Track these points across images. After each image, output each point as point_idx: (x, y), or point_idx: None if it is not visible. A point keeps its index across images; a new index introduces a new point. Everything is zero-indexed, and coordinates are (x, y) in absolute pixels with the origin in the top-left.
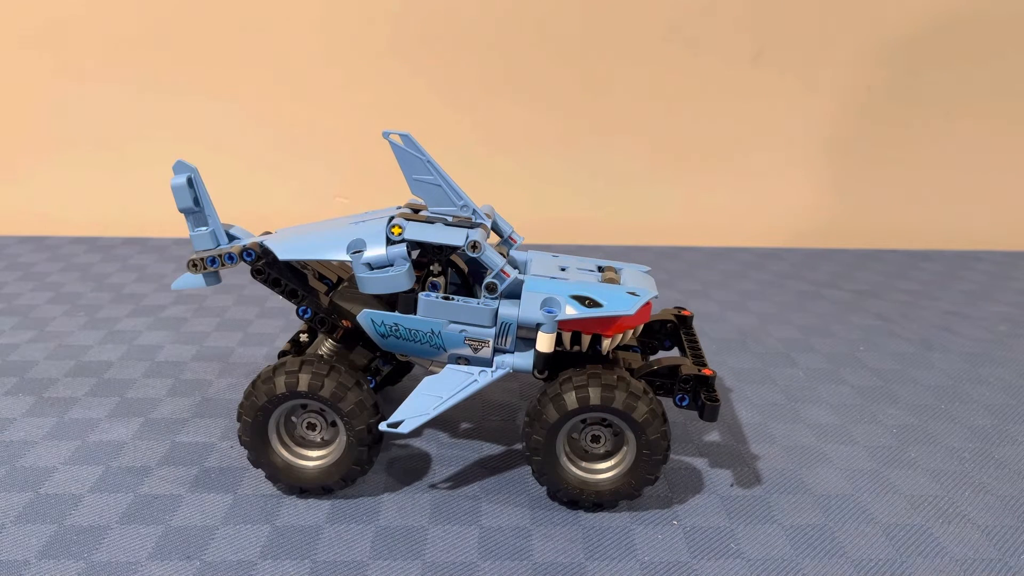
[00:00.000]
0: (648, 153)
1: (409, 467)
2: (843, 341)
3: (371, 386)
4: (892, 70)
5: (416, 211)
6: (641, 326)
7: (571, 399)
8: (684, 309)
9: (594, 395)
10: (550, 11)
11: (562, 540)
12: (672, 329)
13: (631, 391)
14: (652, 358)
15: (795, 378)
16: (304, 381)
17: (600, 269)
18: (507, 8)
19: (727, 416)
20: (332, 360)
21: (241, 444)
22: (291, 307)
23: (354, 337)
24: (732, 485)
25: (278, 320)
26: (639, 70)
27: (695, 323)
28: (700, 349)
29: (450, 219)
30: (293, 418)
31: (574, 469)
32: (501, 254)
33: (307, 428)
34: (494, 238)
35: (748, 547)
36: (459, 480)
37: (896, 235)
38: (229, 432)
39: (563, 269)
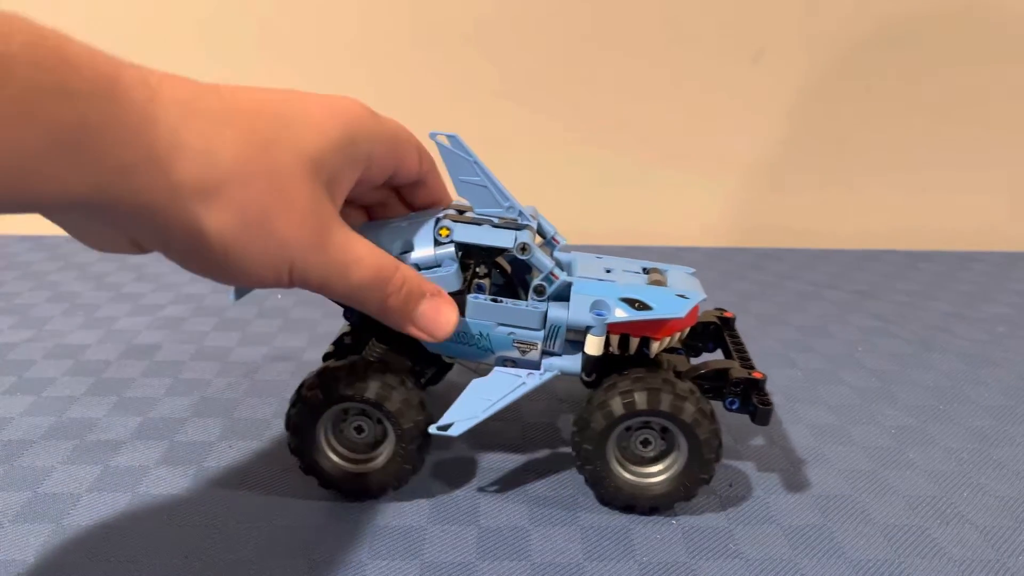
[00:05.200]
0: (648, 154)
1: None
2: (842, 342)
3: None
4: (891, 70)
5: (461, 212)
6: (688, 329)
7: (617, 405)
8: (725, 311)
9: (640, 399)
10: (550, 11)
11: (561, 540)
12: (715, 331)
13: (677, 392)
14: (696, 361)
15: (794, 378)
16: (372, 389)
17: (645, 271)
18: (504, 8)
19: (726, 416)
20: (382, 364)
21: (291, 452)
22: (290, 307)
23: (400, 339)
24: (731, 485)
25: (276, 320)
26: (640, 72)
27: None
28: (746, 352)
29: (496, 220)
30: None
31: (626, 474)
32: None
33: (355, 432)
34: (538, 240)
35: (747, 547)
36: (458, 480)
37: (895, 236)
38: (228, 432)
39: (608, 271)
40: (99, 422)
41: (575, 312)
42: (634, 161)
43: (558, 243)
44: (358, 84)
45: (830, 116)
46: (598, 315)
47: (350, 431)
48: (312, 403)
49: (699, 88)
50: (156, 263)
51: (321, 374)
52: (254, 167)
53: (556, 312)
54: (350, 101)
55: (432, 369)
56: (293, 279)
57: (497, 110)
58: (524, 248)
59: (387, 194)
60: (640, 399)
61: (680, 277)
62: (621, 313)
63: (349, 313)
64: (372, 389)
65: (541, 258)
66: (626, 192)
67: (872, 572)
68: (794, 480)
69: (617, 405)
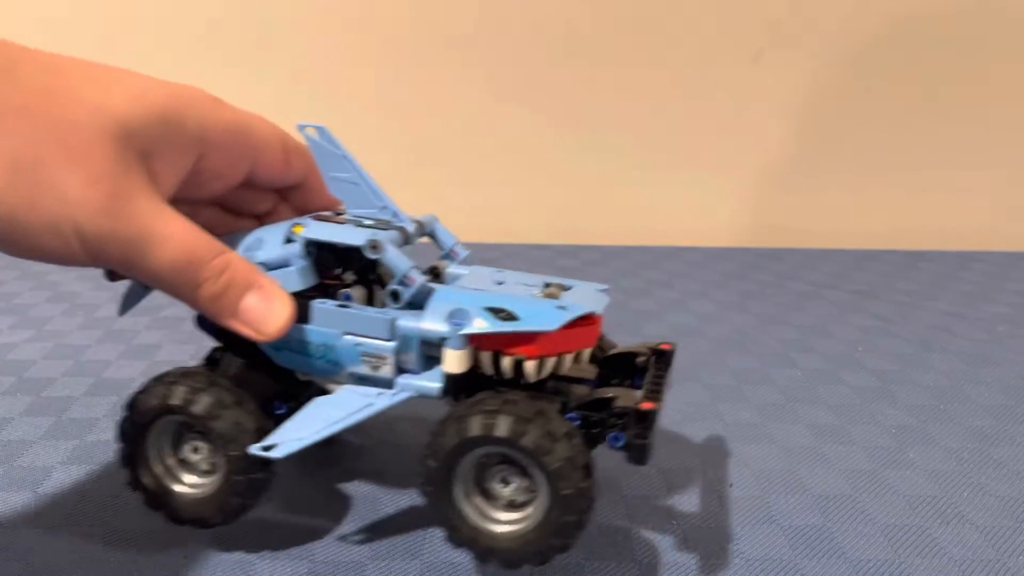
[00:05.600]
0: (647, 154)
1: (407, 466)
2: (842, 342)
3: (282, 411)
4: (891, 70)
5: (339, 214)
6: (588, 351)
7: (451, 435)
8: (665, 343)
9: (475, 425)
10: (550, 12)
11: None
12: (644, 365)
13: (519, 415)
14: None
15: (794, 378)
16: (178, 395)
17: (547, 286)
18: (504, 8)
19: (727, 415)
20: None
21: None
22: None
23: (262, 356)
24: (731, 485)
25: None
26: (639, 72)
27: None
28: (661, 385)
29: (369, 222)
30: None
31: (481, 519)
32: (435, 268)
33: (192, 452)
34: (436, 251)
35: (747, 547)
36: None
37: (895, 236)
38: None
39: (500, 284)
40: (99, 422)
41: (429, 321)
42: (634, 161)
43: (458, 255)
44: (358, 84)
45: (830, 116)
46: (454, 324)
47: (187, 451)
48: (140, 411)
49: (699, 88)
50: None
51: (158, 379)
52: (34, 111)
53: (407, 321)
54: (191, 87)
55: (309, 393)
56: (88, 251)
57: (497, 110)
58: (375, 246)
59: (276, 201)
60: (475, 425)
61: (581, 292)
62: (481, 323)
63: (201, 321)
64: (202, 404)
65: (395, 259)
66: (626, 192)
67: (872, 572)
68: (794, 480)
69: (451, 435)
